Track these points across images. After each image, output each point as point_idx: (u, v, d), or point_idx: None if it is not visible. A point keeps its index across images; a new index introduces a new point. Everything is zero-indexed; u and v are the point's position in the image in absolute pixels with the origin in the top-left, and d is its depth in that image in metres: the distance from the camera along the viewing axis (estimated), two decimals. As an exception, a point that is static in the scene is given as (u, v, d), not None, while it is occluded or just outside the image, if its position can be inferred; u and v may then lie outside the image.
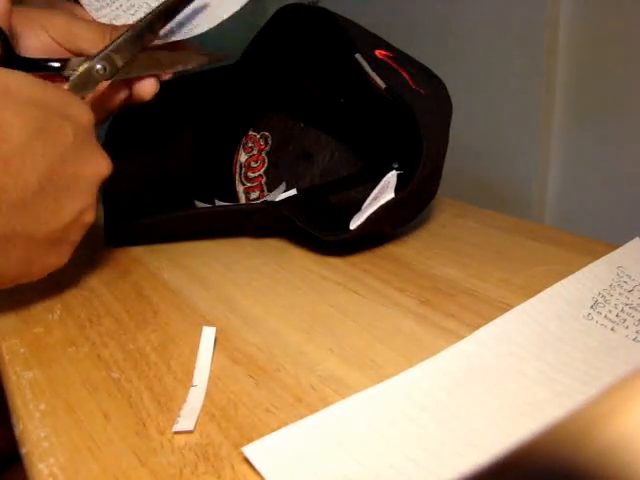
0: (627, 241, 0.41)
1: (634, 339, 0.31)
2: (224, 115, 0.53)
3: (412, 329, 0.34)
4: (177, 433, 0.26)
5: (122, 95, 0.41)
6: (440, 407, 0.26)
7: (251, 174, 0.55)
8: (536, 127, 0.59)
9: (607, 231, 0.56)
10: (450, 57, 0.67)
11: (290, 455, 0.23)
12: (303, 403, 0.28)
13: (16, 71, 0.31)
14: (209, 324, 0.35)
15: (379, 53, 0.45)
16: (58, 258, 0.35)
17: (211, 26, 0.43)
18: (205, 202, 0.53)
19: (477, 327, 0.33)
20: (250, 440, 0.25)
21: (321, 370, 0.30)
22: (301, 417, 0.26)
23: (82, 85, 0.37)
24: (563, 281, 0.36)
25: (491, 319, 0.33)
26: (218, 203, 0.52)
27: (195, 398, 0.28)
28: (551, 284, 0.36)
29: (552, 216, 0.62)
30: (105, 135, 0.47)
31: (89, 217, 0.35)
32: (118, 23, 0.42)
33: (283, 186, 0.54)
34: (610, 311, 0.33)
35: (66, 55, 0.39)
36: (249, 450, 0.23)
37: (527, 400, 0.27)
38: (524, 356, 0.30)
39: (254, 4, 0.49)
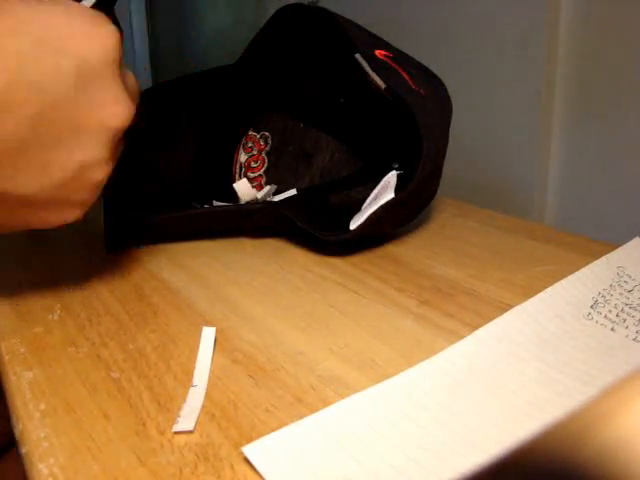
0: (627, 241, 0.41)
1: (634, 339, 0.31)
2: (224, 115, 0.53)
3: (412, 329, 0.34)
4: (177, 433, 0.26)
5: None
6: (440, 407, 0.26)
7: (251, 174, 0.55)
8: (536, 127, 0.59)
9: (607, 231, 0.56)
10: (450, 57, 0.67)
11: (290, 455, 0.23)
12: (303, 403, 0.28)
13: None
14: (209, 324, 0.35)
15: (379, 53, 0.45)
16: (61, 216, 0.31)
17: None
18: (203, 203, 0.53)
19: (477, 327, 0.33)
20: (250, 440, 0.25)
21: (321, 370, 0.30)
22: (301, 417, 0.26)
23: None
24: (563, 281, 0.36)
25: (491, 319, 0.33)
26: (216, 203, 0.52)
27: (195, 398, 0.28)
28: (551, 284, 0.36)
29: (552, 216, 0.63)
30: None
31: (98, 174, 0.30)
32: None
33: (273, 188, 0.53)
34: (610, 311, 0.33)
35: None
36: (249, 450, 0.23)
37: (528, 400, 0.27)
38: (524, 356, 0.30)
39: (254, 4, 0.49)
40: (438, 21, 0.68)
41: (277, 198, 0.51)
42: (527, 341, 0.31)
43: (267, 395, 0.28)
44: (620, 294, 0.35)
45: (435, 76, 0.47)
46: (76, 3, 0.28)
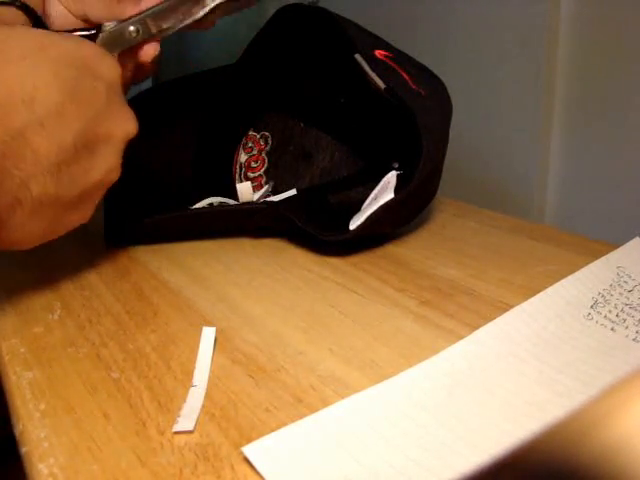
0: (626, 241, 0.41)
1: (634, 339, 0.31)
2: (224, 115, 0.53)
3: (412, 329, 0.34)
4: (177, 433, 0.26)
5: (131, 64, 0.40)
6: (440, 407, 0.26)
7: (251, 174, 0.55)
8: (536, 127, 0.59)
9: (606, 231, 0.56)
10: (450, 57, 0.67)
11: (290, 455, 0.23)
12: (303, 403, 0.28)
13: (49, 31, 0.32)
14: (209, 324, 0.35)
15: (379, 53, 0.45)
16: (81, 216, 0.36)
17: None
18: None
19: (477, 327, 0.33)
20: (250, 440, 0.25)
21: (321, 370, 0.30)
22: (301, 417, 0.26)
23: (112, 44, 0.37)
24: (563, 281, 0.36)
25: (491, 319, 0.33)
26: (211, 200, 0.52)
27: (195, 398, 0.28)
28: (551, 284, 0.36)
29: (552, 216, 0.63)
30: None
31: (114, 176, 0.36)
32: None
33: (270, 186, 0.54)
34: (610, 311, 0.33)
35: (80, 24, 0.39)
36: (249, 450, 0.23)
37: (528, 400, 0.27)
38: (524, 356, 0.30)
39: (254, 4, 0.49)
40: (438, 21, 0.68)
41: (277, 198, 0.51)
42: (527, 341, 0.31)
43: (267, 395, 0.28)
44: (620, 294, 0.35)
45: (435, 76, 0.47)
46: (86, 39, 0.35)
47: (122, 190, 0.48)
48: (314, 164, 0.55)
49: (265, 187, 0.52)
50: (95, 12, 0.38)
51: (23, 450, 0.26)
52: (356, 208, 0.46)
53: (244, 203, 0.50)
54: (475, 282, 0.39)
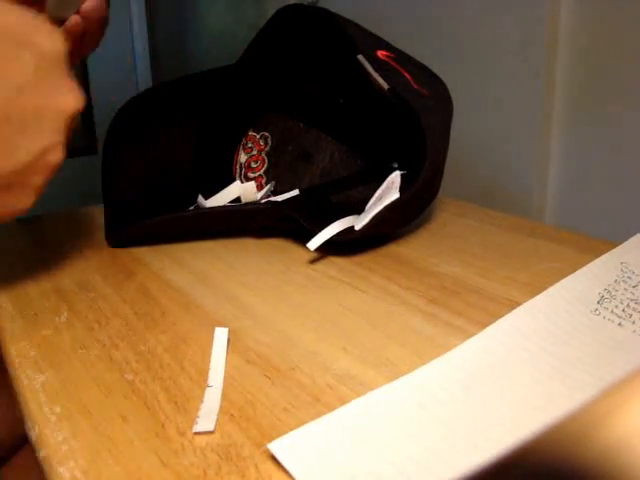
0: (625, 240, 0.42)
1: (641, 334, 0.31)
2: (224, 115, 0.53)
3: (422, 327, 0.34)
4: (197, 434, 0.26)
5: (75, 25, 0.37)
6: (457, 402, 0.27)
7: (251, 174, 0.55)
8: (536, 127, 0.60)
9: (606, 231, 0.57)
10: (450, 57, 0.67)
11: (315, 451, 0.23)
12: (321, 402, 0.28)
13: None
14: (218, 324, 0.35)
15: (380, 54, 0.46)
16: (17, 202, 0.32)
17: None
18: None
19: (486, 324, 0.33)
20: (271, 439, 0.25)
21: (336, 369, 0.30)
22: (320, 416, 0.26)
23: (61, 5, 0.34)
24: (569, 277, 0.36)
25: (499, 316, 0.34)
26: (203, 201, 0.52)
27: (212, 398, 0.28)
28: (554, 281, 0.37)
29: (551, 215, 0.63)
30: (106, 135, 0.46)
31: (55, 157, 0.32)
32: None
33: (272, 185, 0.54)
34: (617, 306, 0.34)
35: None
36: (274, 447, 0.23)
37: (541, 394, 0.27)
38: (536, 351, 0.30)
39: (254, 4, 0.49)
40: (438, 21, 0.68)
41: (279, 198, 0.51)
42: (537, 336, 0.31)
43: (284, 394, 0.28)
44: (625, 289, 0.35)
45: (436, 76, 0.48)
46: (25, 7, 0.31)
47: (122, 190, 0.48)
48: (314, 164, 0.55)
49: (267, 187, 0.52)
50: None
51: (41, 454, 0.25)
52: (357, 208, 0.46)
53: (247, 203, 0.50)
54: (480, 280, 0.40)
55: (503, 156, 0.65)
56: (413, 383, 0.28)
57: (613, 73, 0.55)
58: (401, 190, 0.42)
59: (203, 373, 0.30)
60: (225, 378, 0.30)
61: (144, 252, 0.47)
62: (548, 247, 0.45)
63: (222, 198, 0.52)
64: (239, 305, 0.37)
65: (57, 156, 0.32)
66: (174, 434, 0.26)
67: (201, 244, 0.48)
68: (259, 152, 0.56)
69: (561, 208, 0.63)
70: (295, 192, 0.51)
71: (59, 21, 0.35)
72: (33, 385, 0.29)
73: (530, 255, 0.44)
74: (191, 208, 0.52)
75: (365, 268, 0.43)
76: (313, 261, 0.44)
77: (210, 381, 0.29)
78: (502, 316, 0.34)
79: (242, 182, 0.55)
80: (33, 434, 0.27)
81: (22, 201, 0.32)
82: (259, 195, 0.51)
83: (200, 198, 0.51)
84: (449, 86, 0.47)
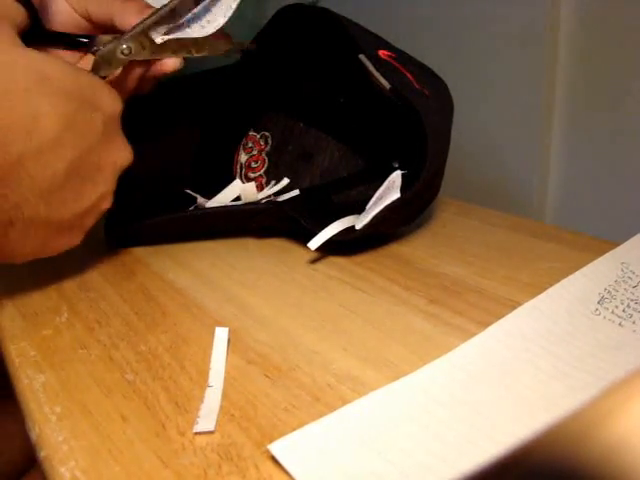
0: (626, 240, 0.42)
1: (642, 334, 0.31)
2: (224, 115, 0.53)
3: (423, 327, 0.34)
4: (198, 434, 0.26)
5: (141, 71, 0.41)
6: (458, 402, 0.27)
7: (251, 174, 0.55)
8: (536, 127, 0.60)
9: (606, 231, 0.57)
10: (450, 57, 0.67)
11: (315, 452, 0.23)
12: (321, 402, 0.28)
13: (51, 57, 0.32)
14: (219, 324, 0.35)
15: (382, 53, 0.45)
16: (70, 240, 0.37)
17: (227, 16, 0.42)
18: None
19: (487, 324, 0.33)
20: (272, 439, 0.25)
21: (336, 369, 0.30)
22: (321, 416, 0.26)
23: (106, 64, 0.38)
24: (570, 277, 0.36)
25: (500, 316, 0.34)
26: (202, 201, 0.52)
27: (212, 398, 0.28)
28: (555, 281, 0.37)
29: (552, 215, 0.63)
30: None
31: (106, 203, 0.37)
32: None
33: (284, 181, 0.54)
34: (617, 307, 0.34)
35: (83, 24, 0.40)
36: (275, 448, 0.23)
37: (543, 394, 0.27)
38: (537, 351, 0.30)
39: (254, 4, 0.49)
40: (438, 21, 0.68)
41: (280, 198, 0.51)
42: (539, 337, 0.31)
43: (285, 394, 0.28)
44: (625, 290, 0.35)
45: (436, 76, 0.48)
46: (87, 71, 0.36)
47: (122, 190, 0.48)
48: (314, 164, 0.55)
49: (282, 183, 0.52)
50: (97, 10, 0.39)
51: (42, 454, 0.25)
52: (358, 208, 0.46)
53: (247, 203, 0.50)
54: (481, 280, 0.40)
55: (503, 156, 0.65)
56: (414, 384, 0.28)
57: (613, 73, 0.55)
58: (402, 190, 0.42)
59: (203, 373, 0.30)
60: (225, 378, 0.30)
61: (144, 252, 0.47)
62: (549, 247, 0.45)
63: (223, 198, 0.52)
64: (239, 305, 0.37)
65: (109, 201, 0.38)
66: (174, 434, 0.26)
67: (201, 244, 0.48)
68: (259, 152, 0.56)
69: (561, 208, 0.63)
70: (295, 192, 0.51)
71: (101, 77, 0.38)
72: (33, 385, 0.29)
73: (531, 255, 0.43)
74: (191, 208, 0.52)
75: (366, 268, 0.43)
76: (314, 261, 0.44)
77: (210, 381, 0.29)
78: (503, 316, 0.34)
79: (243, 182, 0.55)
80: (33, 434, 0.27)
81: (73, 240, 0.37)
82: (270, 191, 0.51)
83: (200, 198, 0.51)
84: (450, 86, 0.47)
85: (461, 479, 0.13)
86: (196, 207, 0.51)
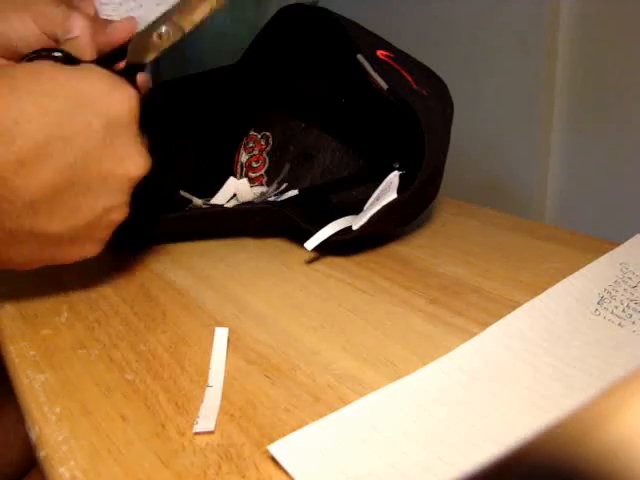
0: (625, 240, 0.42)
1: (642, 334, 0.31)
2: (225, 115, 0.53)
3: (423, 327, 0.34)
4: (197, 434, 0.26)
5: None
6: (458, 403, 0.27)
7: (252, 174, 0.55)
8: (536, 127, 0.60)
9: (606, 230, 0.57)
10: (450, 57, 0.67)
11: (315, 452, 0.23)
12: (321, 402, 0.28)
13: (59, 63, 0.30)
14: (219, 324, 0.35)
15: (380, 53, 0.45)
16: (82, 251, 0.34)
17: None
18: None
19: (486, 324, 0.33)
20: (272, 440, 0.25)
21: (336, 369, 0.30)
22: (321, 416, 0.26)
23: (142, 50, 0.34)
24: (570, 277, 0.36)
25: (500, 316, 0.34)
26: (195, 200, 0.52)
27: (212, 398, 0.28)
28: (555, 281, 0.37)
29: (552, 215, 0.63)
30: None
31: (118, 216, 0.34)
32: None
33: (285, 170, 0.54)
34: (617, 307, 0.34)
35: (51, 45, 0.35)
36: (274, 448, 0.23)
37: (542, 394, 0.27)
38: (536, 351, 0.30)
39: (254, 4, 0.49)
40: (438, 21, 0.68)
41: (279, 199, 0.51)
42: (538, 337, 0.31)
43: (285, 394, 0.28)
44: (625, 290, 0.35)
45: (436, 76, 0.48)
46: (99, 68, 0.32)
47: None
48: (315, 164, 0.55)
49: (284, 185, 0.52)
50: (61, 32, 0.34)
51: (41, 454, 0.25)
52: (358, 208, 0.46)
53: (245, 203, 0.50)
54: (481, 280, 0.40)
55: (503, 156, 0.65)
56: (414, 384, 0.28)
57: (613, 73, 0.55)
58: (400, 190, 0.42)
59: (203, 373, 0.30)
60: (225, 378, 0.30)
61: (145, 252, 0.47)
62: (548, 247, 0.45)
63: (220, 198, 0.52)
64: (240, 305, 0.37)
65: (121, 214, 0.34)
66: (174, 434, 0.26)
67: (202, 245, 0.48)
68: (260, 152, 0.56)
69: (561, 208, 0.63)
70: (295, 192, 0.51)
71: (140, 65, 0.35)
72: (33, 385, 0.29)
73: (530, 255, 0.43)
74: (187, 209, 0.52)
75: (365, 268, 0.43)
76: (313, 261, 0.44)
77: (210, 381, 0.29)
78: (503, 316, 0.34)
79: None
80: (33, 434, 0.27)
81: (87, 250, 0.34)
82: (270, 189, 0.51)
83: (195, 199, 0.51)
84: (449, 86, 0.47)
85: (461, 479, 0.13)
86: (191, 208, 0.51)
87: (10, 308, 0.38)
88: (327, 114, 0.55)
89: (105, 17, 0.38)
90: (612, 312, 0.33)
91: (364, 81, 0.46)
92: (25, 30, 0.34)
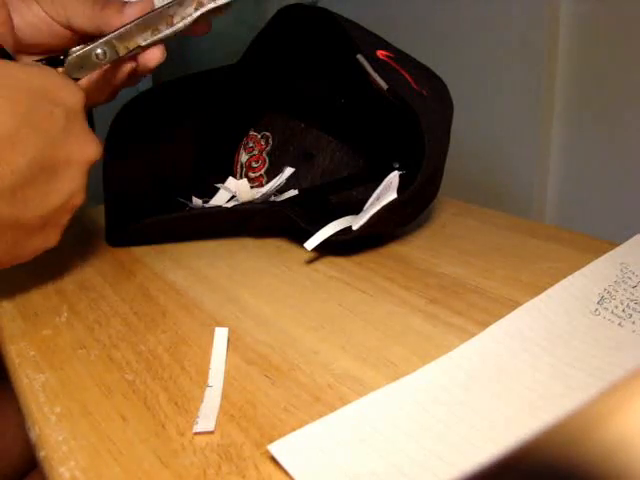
0: (625, 240, 0.42)
1: (641, 334, 0.31)
2: (225, 115, 0.53)
3: (422, 327, 0.34)
4: (197, 434, 0.26)
5: (126, 70, 0.40)
6: (458, 403, 0.27)
7: (252, 174, 0.55)
8: (536, 127, 0.60)
9: (606, 230, 0.57)
10: (450, 57, 0.67)
11: (315, 452, 0.23)
12: (321, 402, 0.28)
13: (5, 60, 0.32)
14: (219, 324, 0.35)
15: (380, 53, 0.45)
16: (46, 241, 0.36)
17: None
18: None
19: (486, 324, 0.33)
20: (272, 440, 0.25)
21: (336, 369, 0.30)
22: (320, 416, 0.26)
23: (78, 68, 0.37)
24: (569, 277, 0.36)
25: (499, 316, 0.34)
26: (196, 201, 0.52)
27: (212, 399, 0.28)
28: (555, 281, 0.37)
29: (552, 215, 0.63)
30: (107, 135, 0.46)
31: (78, 200, 0.36)
32: None
33: (288, 171, 0.54)
34: (616, 307, 0.34)
35: (61, 32, 0.39)
36: (274, 448, 0.23)
37: (542, 394, 0.27)
38: (536, 351, 0.30)
39: (254, 4, 0.49)
40: (438, 21, 0.68)
41: (279, 198, 0.51)
42: (538, 337, 0.31)
43: (285, 394, 0.28)
44: (625, 290, 0.35)
45: (436, 76, 0.48)
46: (47, 66, 0.35)
47: (123, 190, 0.48)
48: (315, 164, 0.55)
49: (276, 182, 0.52)
50: (78, 19, 0.38)
51: (41, 454, 0.25)
52: (357, 208, 0.46)
53: (246, 203, 0.50)
54: (481, 280, 0.40)
55: (503, 156, 0.65)
56: (414, 384, 0.28)
57: (613, 73, 0.55)
58: (400, 190, 0.42)
59: (203, 373, 0.30)
60: (225, 378, 0.30)
61: (144, 252, 0.47)
62: (548, 247, 0.45)
63: (220, 198, 0.52)
64: (240, 305, 0.37)
65: (81, 197, 0.36)
66: (174, 434, 0.26)
67: (201, 244, 0.48)
68: (260, 152, 0.56)
69: (561, 208, 0.63)
70: (294, 192, 0.51)
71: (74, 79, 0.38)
72: (33, 385, 0.29)
73: (530, 255, 0.43)
74: (187, 209, 0.52)
75: (365, 268, 0.43)
76: (313, 261, 0.44)
77: (210, 381, 0.29)
78: (503, 316, 0.34)
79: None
80: (33, 434, 0.27)
81: (50, 239, 0.36)
82: (265, 189, 0.51)
83: (195, 199, 0.51)
84: (449, 86, 0.47)
85: (461, 479, 0.13)
86: (191, 208, 0.51)
87: (10, 308, 0.38)
88: (327, 114, 0.54)
89: None
90: (612, 312, 0.33)
91: (364, 81, 0.46)
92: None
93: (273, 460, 0.24)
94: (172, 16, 0.38)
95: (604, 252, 0.40)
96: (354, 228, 0.42)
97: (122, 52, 0.38)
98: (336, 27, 0.45)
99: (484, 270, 0.41)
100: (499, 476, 0.12)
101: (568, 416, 0.12)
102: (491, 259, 0.43)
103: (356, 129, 0.54)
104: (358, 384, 0.29)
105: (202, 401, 0.28)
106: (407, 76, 0.45)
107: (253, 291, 0.40)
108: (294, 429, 0.25)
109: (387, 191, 0.43)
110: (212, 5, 0.38)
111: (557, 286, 0.36)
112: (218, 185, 0.52)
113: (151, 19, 0.38)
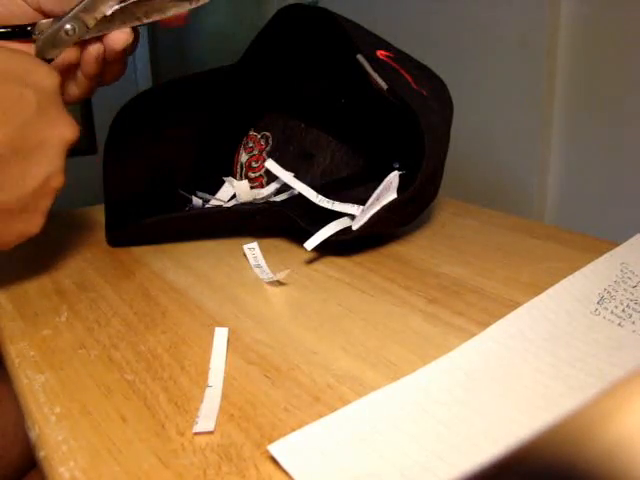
0: (625, 240, 0.42)
1: (641, 334, 0.31)
2: (225, 115, 0.53)
3: (422, 327, 0.34)
4: (197, 434, 0.26)
5: (94, 52, 0.39)
6: (458, 403, 0.27)
7: (252, 174, 0.55)
8: (536, 127, 0.60)
9: (606, 230, 0.57)
10: (450, 57, 0.67)
11: (315, 452, 0.23)
12: (321, 402, 0.28)
13: None
14: (219, 324, 0.35)
15: (380, 53, 0.46)
16: (28, 226, 0.35)
17: None
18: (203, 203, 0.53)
19: (486, 324, 0.33)
20: (272, 440, 0.25)
21: (336, 369, 0.30)
22: (320, 416, 0.26)
23: (50, 46, 0.37)
24: (570, 277, 0.36)
25: (499, 316, 0.34)
26: (212, 202, 0.52)
27: (212, 399, 0.28)
28: (555, 281, 0.37)
29: (551, 215, 0.63)
30: (107, 135, 0.46)
31: (57, 182, 0.35)
32: None
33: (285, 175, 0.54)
34: (616, 307, 0.34)
35: (30, 13, 0.38)
36: (274, 449, 0.23)
37: (543, 394, 0.27)
38: (537, 351, 0.30)
39: (254, 4, 0.49)
40: (438, 21, 0.68)
41: (279, 198, 0.51)
42: (538, 337, 0.31)
43: (285, 395, 0.28)
44: (625, 290, 0.35)
45: (436, 76, 0.48)
46: (18, 49, 0.35)
47: (122, 190, 0.48)
48: (315, 164, 0.55)
49: (272, 185, 0.52)
50: (49, 3, 0.37)
51: (41, 454, 0.25)
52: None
53: (246, 203, 0.50)
54: (481, 280, 0.40)
55: (503, 156, 0.65)
56: (414, 384, 0.28)
57: (613, 73, 0.55)
58: (399, 190, 0.42)
59: (203, 373, 0.30)
60: (225, 378, 0.30)
61: (144, 252, 0.47)
62: (548, 247, 0.45)
63: (221, 197, 0.52)
64: (240, 305, 0.37)
65: (59, 180, 0.35)
66: (174, 434, 0.26)
67: (201, 244, 0.48)
68: (260, 152, 0.56)
69: (561, 208, 0.63)
70: (294, 192, 0.51)
71: (47, 60, 0.37)
72: (33, 385, 0.29)
73: (530, 255, 0.44)
74: (186, 209, 0.52)
75: (365, 268, 0.43)
76: (313, 261, 0.44)
77: (210, 381, 0.29)
78: (503, 316, 0.34)
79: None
80: (33, 434, 0.27)
81: (32, 225, 0.35)
82: (264, 192, 0.51)
83: (194, 199, 0.51)
84: (449, 86, 0.47)
85: (461, 479, 0.13)
86: (191, 207, 0.51)
87: (10, 308, 0.38)
88: (327, 114, 0.54)
89: None
90: (612, 312, 0.33)
91: (364, 81, 0.46)
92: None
93: (273, 460, 0.24)
94: None
95: (604, 252, 0.40)
96: (354, 228, 0.42)
97: (91, 24, 0.37)
98: (336, 27, 0.45)
99: (484, 270, 0.41)
100: (499, 476, 0.12)
101: (568, 416, 0.12)
102: (491, 259, 0.43)
103: (356, 129, 0.54)
104: (358, 384, 0.29)
105: (202, 401, 0.28)
106: (407, 76, 0.45)
107: (252, 291, 0.40)
108: (294, 429, 0.25)
109: (387, 191, 0.43)
110: None
111: (557, 286, 0.36)
112: (224, 178, 0.52)
113: None
